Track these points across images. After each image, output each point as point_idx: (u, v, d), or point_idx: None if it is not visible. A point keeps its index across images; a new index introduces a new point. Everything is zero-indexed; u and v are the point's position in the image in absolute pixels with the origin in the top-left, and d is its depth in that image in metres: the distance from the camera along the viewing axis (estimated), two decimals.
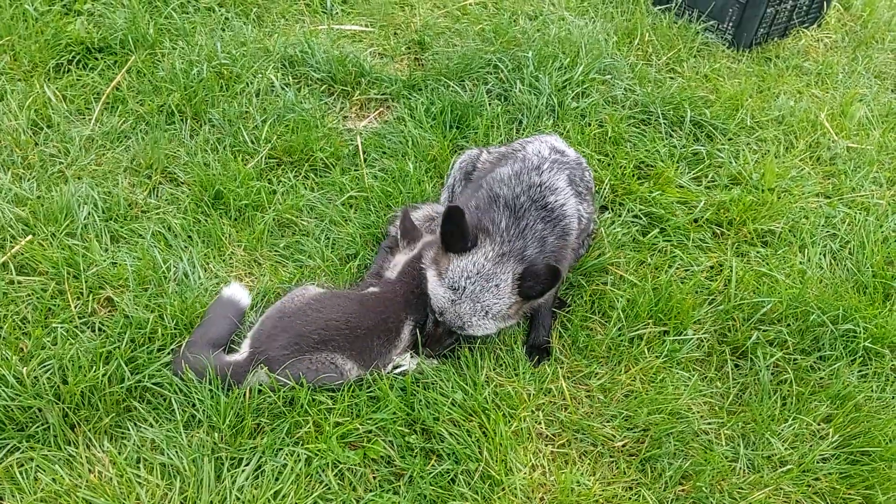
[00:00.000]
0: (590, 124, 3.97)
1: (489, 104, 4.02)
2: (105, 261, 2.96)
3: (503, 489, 2.47)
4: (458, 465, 2.50)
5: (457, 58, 4.30)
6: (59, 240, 3.01)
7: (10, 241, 2.99)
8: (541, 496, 2.51)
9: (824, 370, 2.94)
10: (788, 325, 3.06)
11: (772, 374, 2.92)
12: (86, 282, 2.86)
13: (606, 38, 4.61)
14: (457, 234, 2.64)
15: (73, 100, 3.80)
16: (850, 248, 3.52)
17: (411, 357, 2.80)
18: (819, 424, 2.77)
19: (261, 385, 2.58)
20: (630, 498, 2.54)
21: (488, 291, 2.63)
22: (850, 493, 2.61)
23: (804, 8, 5.21)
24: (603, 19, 4.90)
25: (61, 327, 2.68)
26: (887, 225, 3.63)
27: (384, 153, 3.73)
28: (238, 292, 2.87)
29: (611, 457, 2.66)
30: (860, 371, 2.97)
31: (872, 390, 2.89)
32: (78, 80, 3.91)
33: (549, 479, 2.56)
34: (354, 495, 2.42)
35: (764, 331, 3.03)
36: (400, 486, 2.47)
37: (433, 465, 2.51)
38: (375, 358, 2.71)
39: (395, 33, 4.70)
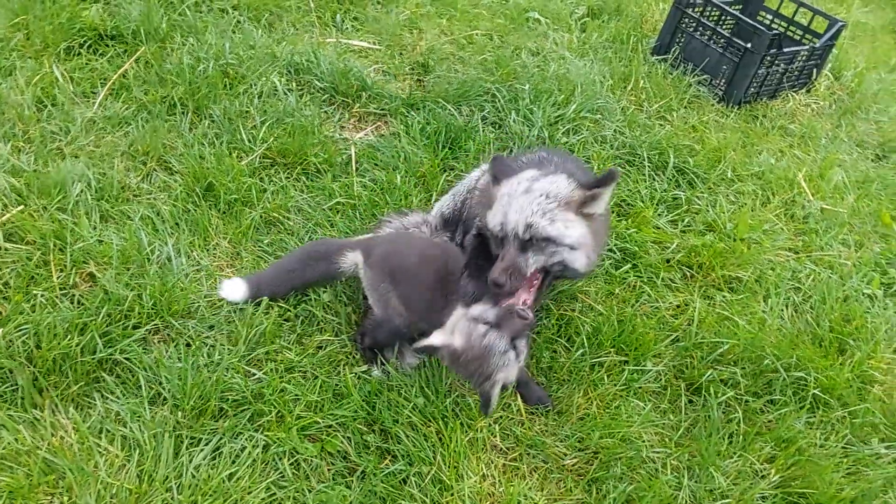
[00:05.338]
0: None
1: (482, 130, 4.16)
2: (92, 238, 3.04)
3: (452, 494, 2.55)
4: (412, 467, 2.59)
5: (457, 83, 4.44)
6: (49, 213, 3.10)
7: (2, 210, 3.07)
8: None
9: (772, 413, 3.05)
10: (743, 367, 3.17)
11: (722, 412, 3.02)
12: (70, 255, 2.94)
13: (602, 81, 4.77)
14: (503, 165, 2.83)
15: (80, 82, 3.90)
16: (811, 303, 3.64)
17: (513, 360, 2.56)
18: (762, 464, 2.87)
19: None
20: None
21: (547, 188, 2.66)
22: None
23: (795, 73, 5.40)
24: (601, 63, 5.07)
25: (41, 295, 2.76)
26: (849, 284, 3.75)
27: (376, 164, 3.85)
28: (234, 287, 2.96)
29: (559, 474, 2.74)
30: (807, 418, 3.07)
31: (816, 437, 2.99)
32: (87, 63, 4.02)
33: (498, 489, 2.65)
34: (308, 485, 2.50)
35: (719, 370, 3.14)
36: (353, 480, 2.55)
37: (387, 465, 2.60)
38: (432, 313, 2.78)
39: (401, 53, 4.85)
